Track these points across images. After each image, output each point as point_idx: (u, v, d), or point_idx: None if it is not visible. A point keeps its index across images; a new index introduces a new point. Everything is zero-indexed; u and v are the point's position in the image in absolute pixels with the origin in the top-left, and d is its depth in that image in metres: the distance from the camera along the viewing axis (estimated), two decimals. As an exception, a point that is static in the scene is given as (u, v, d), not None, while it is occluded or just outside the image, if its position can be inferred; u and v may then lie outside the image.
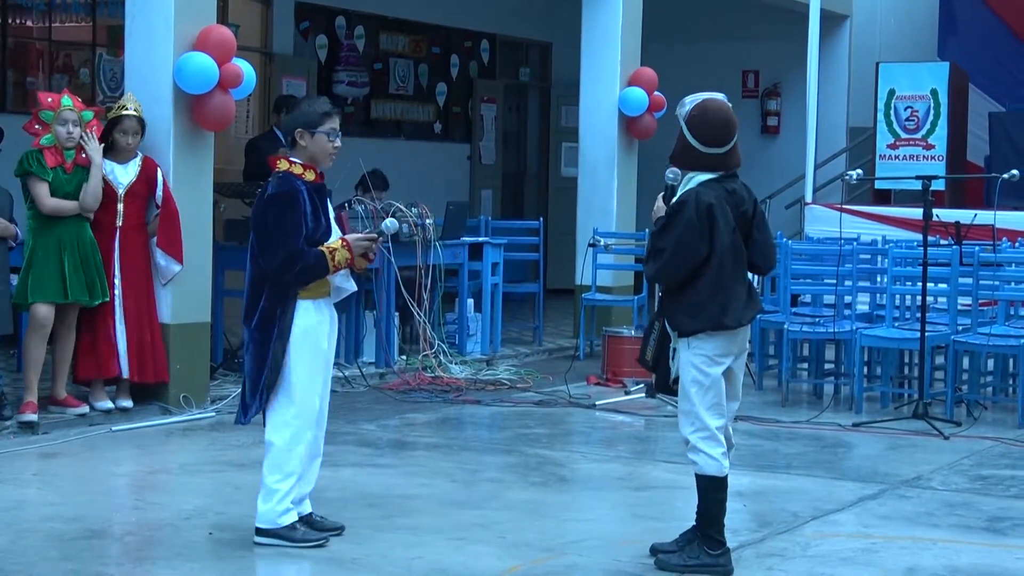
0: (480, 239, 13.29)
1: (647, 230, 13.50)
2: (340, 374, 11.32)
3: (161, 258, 9.89)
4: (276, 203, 6.61)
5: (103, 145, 9.63)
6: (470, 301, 12.93)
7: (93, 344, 9.69)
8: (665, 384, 6.62)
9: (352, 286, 6.92)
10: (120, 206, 9.71)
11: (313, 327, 6.67)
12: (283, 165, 6.71)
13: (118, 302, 9.72)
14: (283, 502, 6.67)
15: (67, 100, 9.49)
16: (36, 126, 9.44)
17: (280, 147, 12.17)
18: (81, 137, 9.50)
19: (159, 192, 9.81)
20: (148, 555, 6.74)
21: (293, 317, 6.62)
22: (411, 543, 6.81)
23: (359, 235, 6.76)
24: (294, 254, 6.54)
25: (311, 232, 6.60)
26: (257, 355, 6.64)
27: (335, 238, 6.72)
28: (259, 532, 6.70)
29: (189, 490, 8.00)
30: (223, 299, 11.48)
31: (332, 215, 6.81)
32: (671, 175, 6.61)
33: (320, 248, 6.60)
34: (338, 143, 6.77)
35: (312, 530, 6.77)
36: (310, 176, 6.69)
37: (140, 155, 9.81)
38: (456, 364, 12.20)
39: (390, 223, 6.94)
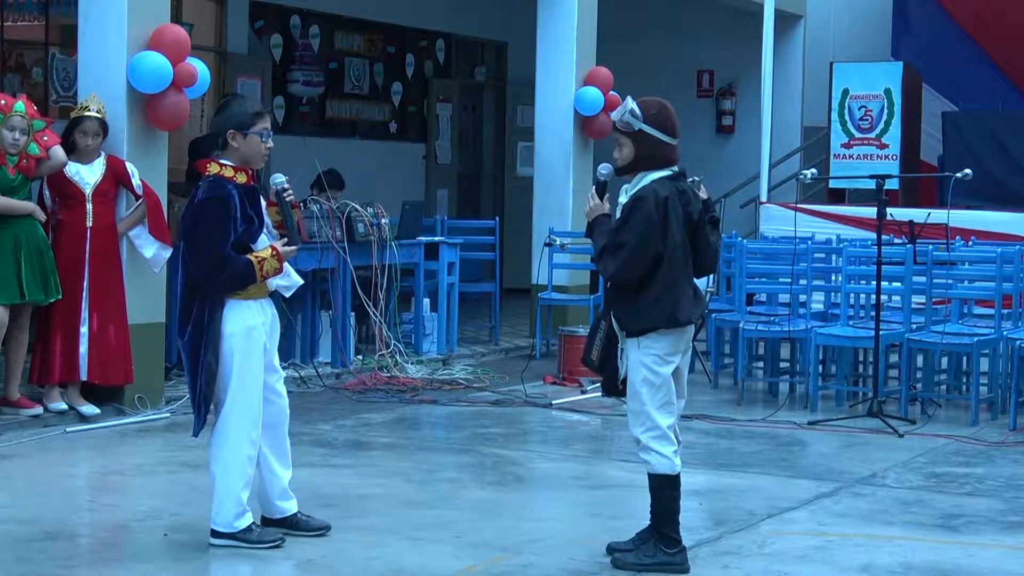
0: (436, 239, 13.28)
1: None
2: (296, 374, 11.30)
3: (151, 246, 9.88)
4: (207, 208, 6.54)
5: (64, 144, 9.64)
6: (426, 301, 12.92)
7: (58, 347, 9.62)
8: (613, 386, 6.60)
9: (297, 279, 6.90)
10: (89, 206, 9.66)
11: (255, 328, 6.63)
12: (213, 168, 6.62)
13: (85, 304, 9.66)
14: (238, 505, 6.64)
15: (20, 106, 9.41)
16: None
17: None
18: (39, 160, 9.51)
19: (136, 184, 9.79)
20: (103, 557, 6.71)
21: (221, 323, 6.56)
22: (368, 543, 6.79)
23: (289, 248, 6.70)
24: (220, 260, 6.48)
25: (240, 236, 6.54)
26: (191, 366, 6.61)
27: (265, 245, 6.67)
28: (215, 535, 6.68)
29: (144, 491, 7.97)
30: (177, 299, 11.42)
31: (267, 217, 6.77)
32: (604, 171, 6.64)
33: (249, 257, 6.54)
34: (271, 144, 6.72)
35: (270, 529, 6.75)
36: (241, 179, 6.62)
37: (104, 155, 9.77)
38: (412, 364, 12.19)
39: (278, 179, 6.86)
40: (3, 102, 9.41)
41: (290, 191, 6.83)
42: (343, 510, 7.43)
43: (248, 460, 6.64)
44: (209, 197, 6.54)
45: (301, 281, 7.00)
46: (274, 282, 6.74)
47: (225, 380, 6.59)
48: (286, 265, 6.78)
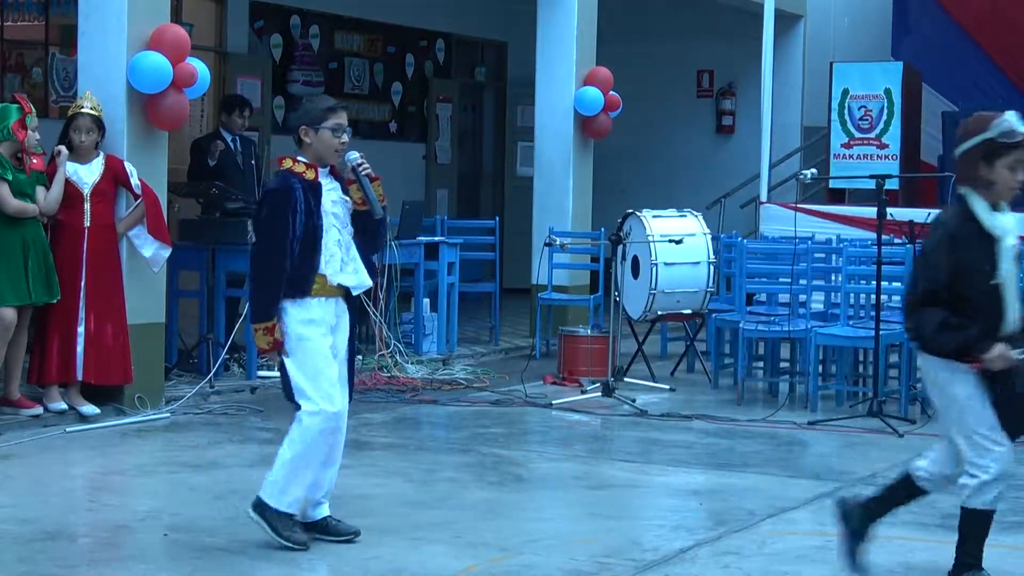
0: (436, 239, 13.28)
1: (602, 230, 13.55)
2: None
3: (151, 246, 9.89)
4: (268, 199, 6.65)
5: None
6: (426, 301, 12.91)
7: (55, 347, 9.63)
8: None
9: (365, 281, 6.81)
10: (87, 206, 9.67)
11: (314, 321, 6.58)
12: (286, 163, 6.69)
13: (82, 305, 9.66)
14: (291, 491, 6.60)
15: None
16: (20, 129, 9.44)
17: (214, 145, 12.15)
18: (58, 151, 9.56)
19: (135, 183, 9.79)
20: (103, 557, 6.70)
21: (288, 319, 6.57)
22: (367, 543, 6.78)
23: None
24: (267, 265, 6.54)
25: (298, 233, 6.54)
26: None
27: (335, 239, 6.65)
28: (260, 506, 6.63)
29: (144, 491, 7.97)
30: (178, 300, 11.44)
31: (344, 211, 6.75)
32: None
33: (277, 307, 6.54)
34: (345, 139, 6.70)
35: (304, 532, 6.69)
36: (310, 175, 6.63)
37: (102, 154, 9.78)
38: (412, 364, 12.19)
39: (352, 155, 6.84)
40: (21, 104, 9.48)
41: (365, 164, 6.82)
42: (343, 510, 7.41)
43: (319, 447, 6.64)
44: (270, 189, 6.68)
45: (370, 283, 6.93)
46: (341, 279, 6.70)
47: (305, 369, 6.60)
48: (359, 265, 6.76)
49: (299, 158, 6.69)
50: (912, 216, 11.66)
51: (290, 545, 6.61)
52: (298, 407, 6.63)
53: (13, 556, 6.47)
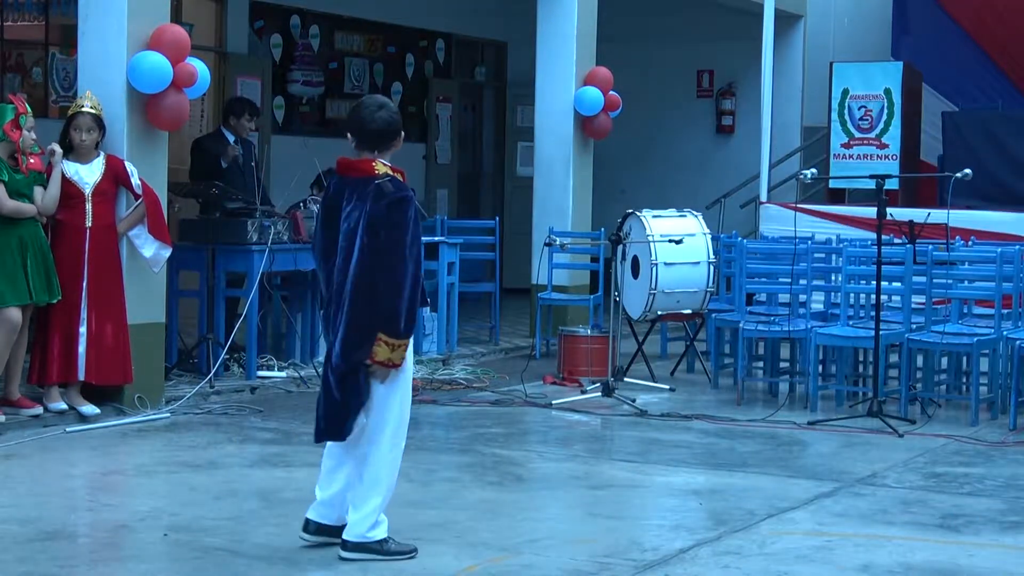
0: (436, 239, 13.27)
1: (602, 230, 13.56)
2: (296, 374, 11.29)
3: (151, 246, 9.88)
4: (403, 205, 6.29)
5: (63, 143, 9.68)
6: (426, 301, 12.90)
7: (57, 347, 9.63)
8: None
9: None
10: (89, 206, 9.67)
11: None
12: (381, 168, 6.42)
13: (83, 305, 9.66)
14: (374, 514, 6.53)
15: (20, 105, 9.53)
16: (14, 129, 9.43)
17: (222, 146, 12.12)
18: (52, 150, 9.57)
19: (135, 183, 9.79)
20: (103, 557, 6.70)
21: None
22: (367, 543, 6.78)
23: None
24: (411, 274, 6.28)
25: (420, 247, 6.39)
26: (351, 381, 6.41)
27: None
28: (350, 548, 6.53)
29: (144, 491, 7.97)
30: (178, 299, 11.43)
31: None
32: None
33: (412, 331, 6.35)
34: None
35: (399, 541, 6.63)
36: (401, 180, 6.46)
37: (103, 154, 9.78)
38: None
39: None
40: (15, 104, 9.47)
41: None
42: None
43: (395, 469, 6.58)
44: (404, 196, 6.32)
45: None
46: None
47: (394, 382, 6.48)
48: None
49: (385, 162, 6.47)
50: (912, 216, 11.66)
51: (410, 554, 6.54)
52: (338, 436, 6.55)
53: (13, 556, 6.47)
